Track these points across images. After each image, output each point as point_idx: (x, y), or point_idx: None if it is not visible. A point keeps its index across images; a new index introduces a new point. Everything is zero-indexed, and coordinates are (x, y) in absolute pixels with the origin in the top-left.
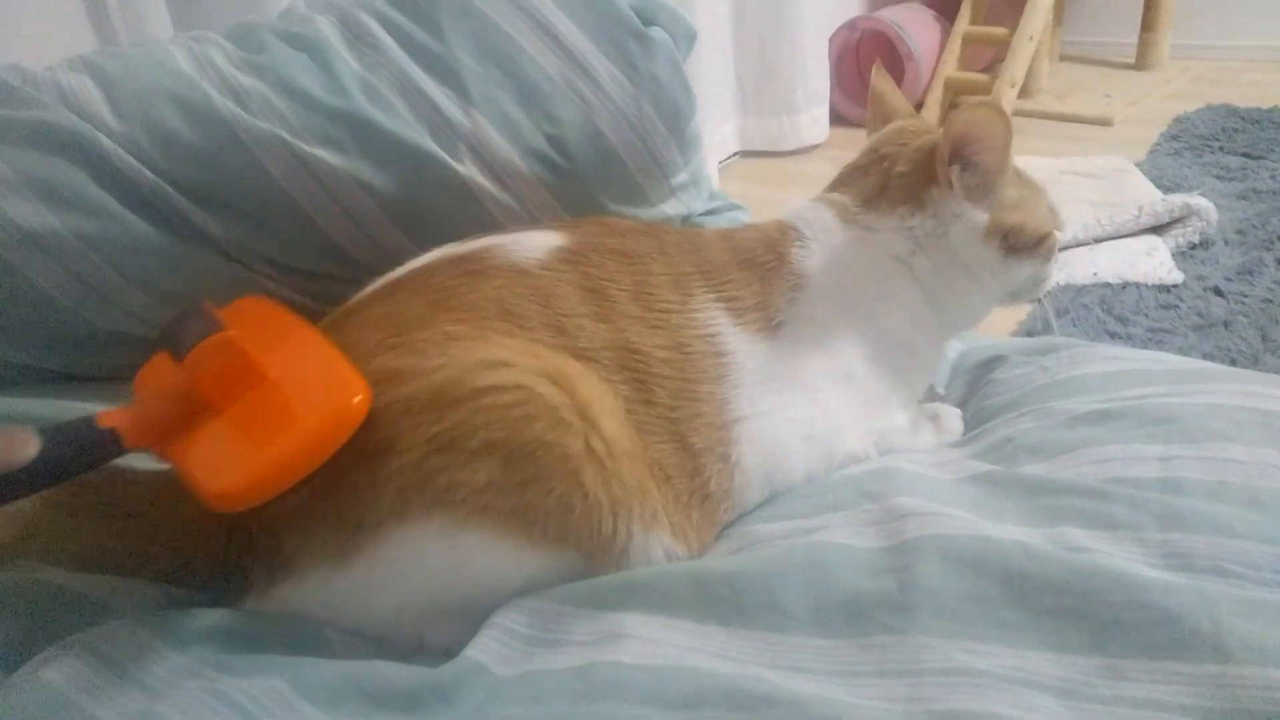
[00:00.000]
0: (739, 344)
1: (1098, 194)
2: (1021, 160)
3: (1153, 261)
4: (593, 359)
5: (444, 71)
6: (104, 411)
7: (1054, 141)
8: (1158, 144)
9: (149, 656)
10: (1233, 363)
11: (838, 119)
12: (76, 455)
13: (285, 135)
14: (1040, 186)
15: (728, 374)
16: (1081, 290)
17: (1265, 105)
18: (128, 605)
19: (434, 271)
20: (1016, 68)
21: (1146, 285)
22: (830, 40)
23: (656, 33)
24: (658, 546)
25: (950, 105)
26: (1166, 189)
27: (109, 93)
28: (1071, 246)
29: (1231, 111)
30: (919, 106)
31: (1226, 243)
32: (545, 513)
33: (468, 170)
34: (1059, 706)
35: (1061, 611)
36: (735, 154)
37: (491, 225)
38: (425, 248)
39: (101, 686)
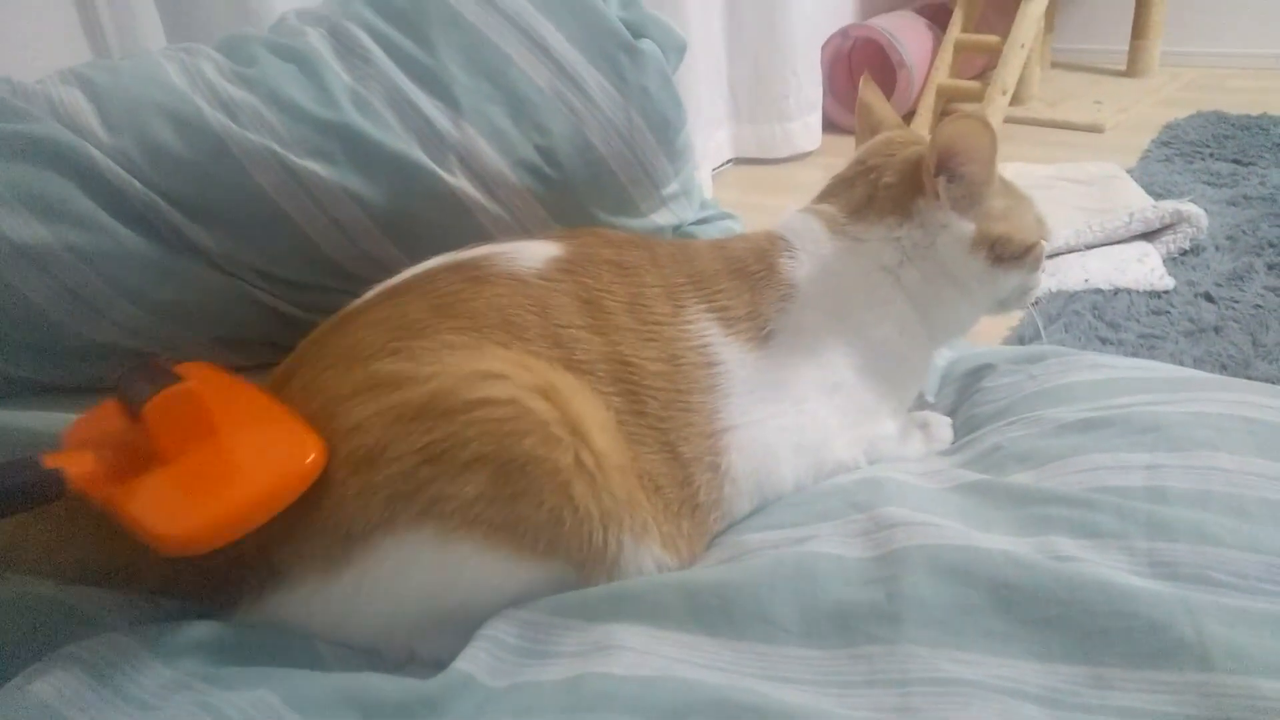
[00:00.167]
0: (730, 354)
1: (1089, 200)
2: (1013, 167)
3: (1144, 267)
4: (588, 371)
5: (434, 83)
6: (50, 453)
7: (1045, 148)
8: (1148, 150)
9: (139, 669)
10: (1224, 368)
11: (830, 126)
12: (17, 494)
13: (276, 147)
14: (1027, 196)
15: (718, 384)
16: (1073, 296)
17: (1255, 112)
18: (118, 618)
19: (435, 277)
20: (1008, 75)
21: (1138, 291)
22: (823, 48)
23: (646, 45)
24: (648, 557)
25: (942, 113)
26: (1157, 195)
27: (99, 105)
28: (1063, 253)
29: (1221, 118)
30: (911, 114)
31: (1217, 248)
32: (536, 526)
33: (458, 181)
34: (1045, 715)
35: (1048, 621)
36: (728, 161)
37: (482, 236)
38: (416, 259)
39: (91, 700)
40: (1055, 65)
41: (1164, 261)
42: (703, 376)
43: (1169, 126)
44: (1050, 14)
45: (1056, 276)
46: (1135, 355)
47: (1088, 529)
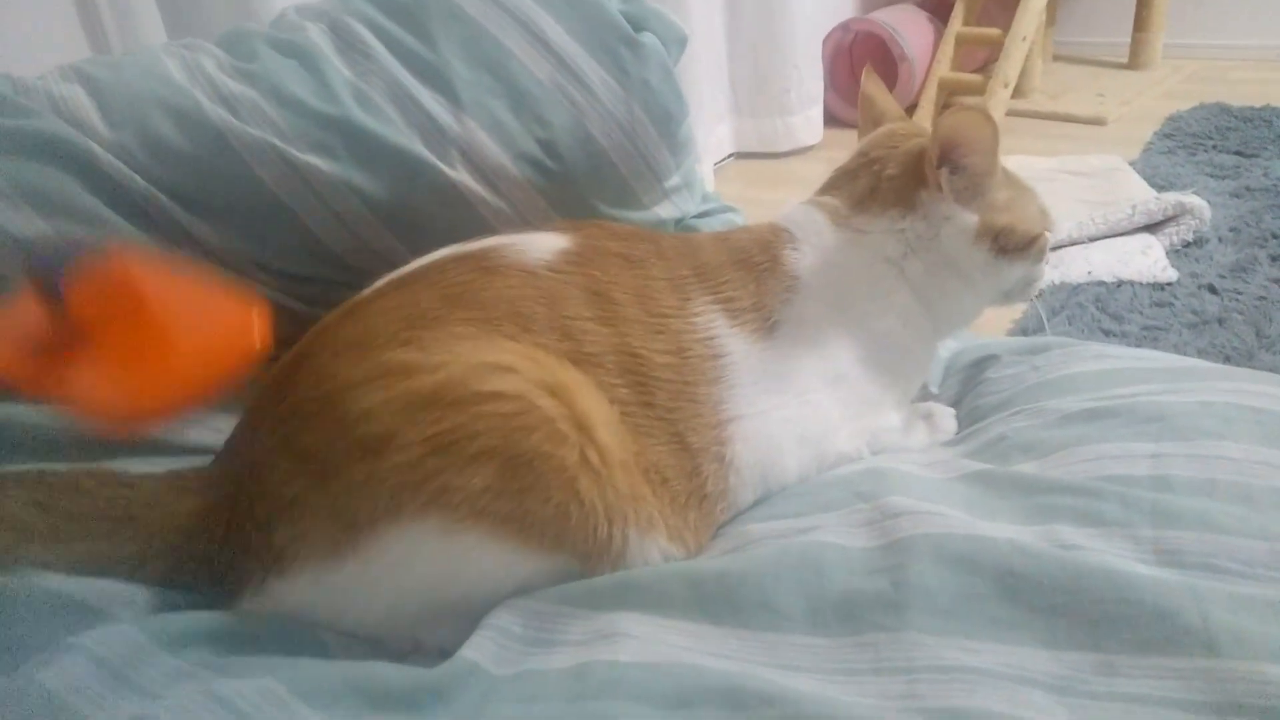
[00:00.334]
0: (735, 345)
1: (1092, 193)
2: (1016, 160)
3: (1147, 260)
4: (596, 363)
5: (435, 77)
6: None
7: (1048, 141)
8: (1151, 143)
9: (144, 659)
10: (1227, 360)
11: (832, 120)
12: None
13: (276, 142)
14: (1030, 188)
15: (724, 375)
16: (1076, 289)
17: (1258, 104)
18: (123, 608)
19: (445, 268)
20: (1010, 68)
21: (1141, 283)
22: (824, 42)
23: (647, 38)
24: (654, 550)
25: (944, 106)
26: (1160, 187)
27: (100, 101)
28: (1066, 245)
29: (1224, 110)
30: (913, 108)
31: (1220, 240)
32: (542, 520)
33: (459, 175)
34: (1052, 702)
35: (1054, 609)
36: (730, 155)
37: (483, 229)
38: (417, 252)
39: (97, 690)
40: (1057, 58)
41: (1167, 253)
42: (709, 368)
43: (1171, 119)
44: (1052, 7)
45: (1059, 269)
46: (1138, 347)
47: (1093, 518)
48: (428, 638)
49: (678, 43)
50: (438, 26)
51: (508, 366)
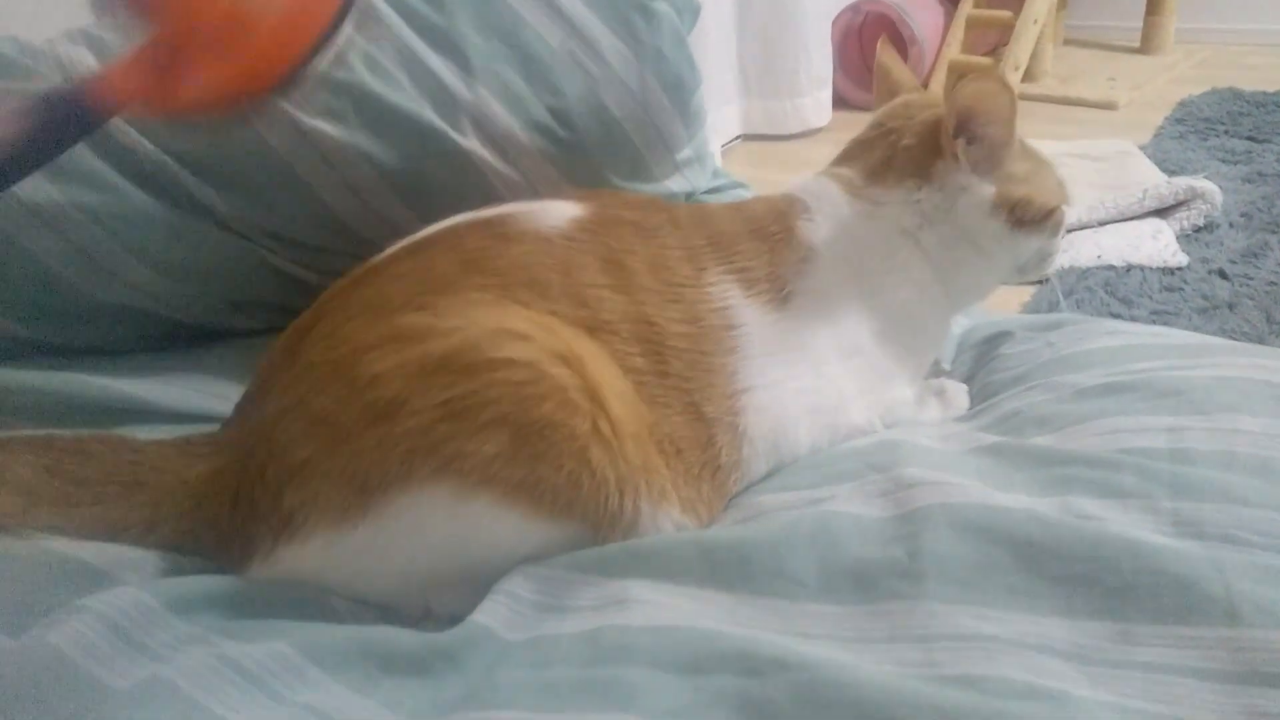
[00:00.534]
0: (749, 315)
1: (1102, 177)
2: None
3: (1157, 244)
4: (611, 331)
5: (446, 44)
6: (81, 76)
7: (1058, 125)
8: (1162, 127)
9: (155, 623)
10: None
11: (840, 102)
12: (66, 124)
13: (287, 106)
14: (1048, 160)
15: (739, 345)
16: (1086, 273)
17: (1270, 89)
18: (132, 573)
19: (462, 233)
20: (1020, 51)
21: (1151, 268)
22: (833, 23)
23: (660, 5)
24: (667, 522)
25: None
26: (1171, 172)
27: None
28: (1076, 229)
29: (1236, 95)
30: None
31: (1231, 225)
32: (554, 487)
33: (470, 142)
34: (1071, 670)
35: (1072, 578)
36: (738, 137)
37: (494, 197)
38: (427, 220)
39: (108, 652)
40: (1068, 42)
41: (1178, 238)
42: (724, 338)
43: (1183, 104)
44: None
45: (1070, 252)
46: None
47: (1110, 489)
48: (438, 604)
49: (690, 11)
50: None
51: (521, 333)
